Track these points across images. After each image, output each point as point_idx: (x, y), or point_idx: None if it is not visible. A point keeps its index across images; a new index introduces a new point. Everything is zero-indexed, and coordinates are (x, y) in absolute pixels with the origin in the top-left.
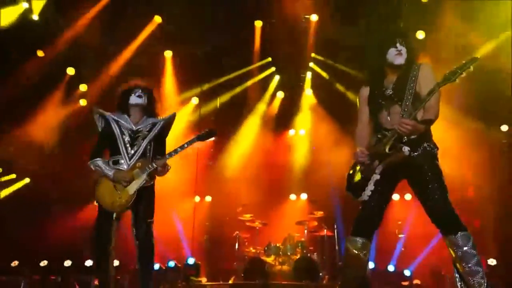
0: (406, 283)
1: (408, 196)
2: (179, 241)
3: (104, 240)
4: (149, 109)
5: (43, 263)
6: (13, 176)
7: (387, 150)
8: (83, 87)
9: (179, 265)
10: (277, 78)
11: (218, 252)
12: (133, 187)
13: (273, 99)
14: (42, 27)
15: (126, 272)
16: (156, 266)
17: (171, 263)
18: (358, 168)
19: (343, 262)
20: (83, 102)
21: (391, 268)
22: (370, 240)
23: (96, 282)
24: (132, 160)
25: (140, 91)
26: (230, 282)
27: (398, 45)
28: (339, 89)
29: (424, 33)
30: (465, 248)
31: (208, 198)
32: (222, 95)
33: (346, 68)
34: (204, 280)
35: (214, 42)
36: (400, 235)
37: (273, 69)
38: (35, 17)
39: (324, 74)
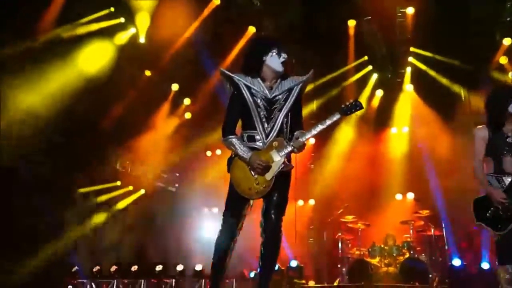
0: None
1: None
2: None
3: (235, 223)
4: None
5: (159, 267)
6: (130, 188)
7: None
8: (187, 101)
9: (282, 268)
10: (375, 76)
11: (322, 254)
12: (270, 173)
13: (371, 98)
14: (148, 48)
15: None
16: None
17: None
18: (495, 206)
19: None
20: (187, 115)
21: None
22: None
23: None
24: (269, 138)
25: (286, 56)
26: (335, 284)
27: None
28: (443, 83)
29: None
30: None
31: (312, 202)
32: (319, 98)
33: (449, 59)
34: (312, 283)
35: (308, 46)
36: None
37: (370, 67)
38: (142, 39)
39: (425, 68)
